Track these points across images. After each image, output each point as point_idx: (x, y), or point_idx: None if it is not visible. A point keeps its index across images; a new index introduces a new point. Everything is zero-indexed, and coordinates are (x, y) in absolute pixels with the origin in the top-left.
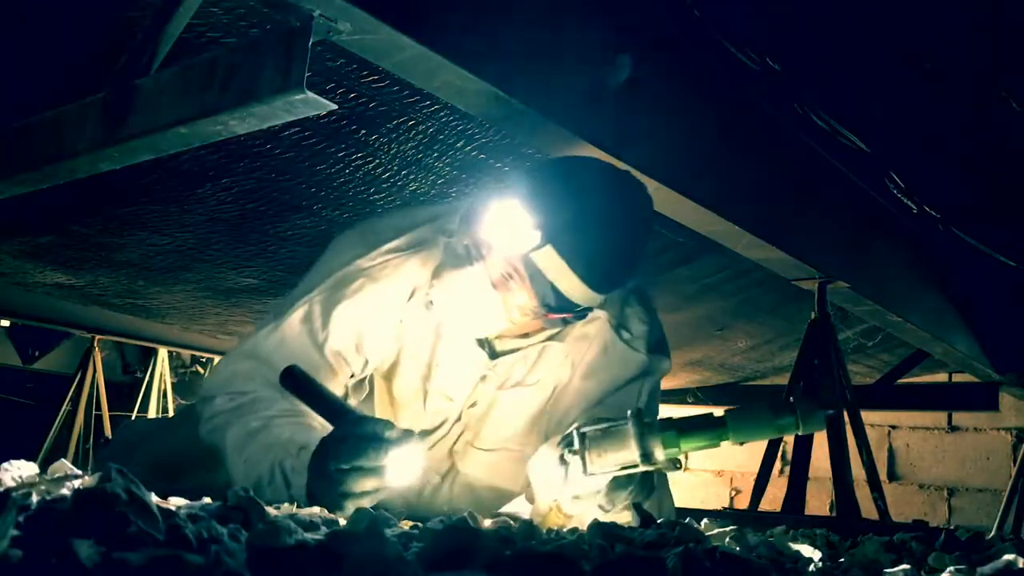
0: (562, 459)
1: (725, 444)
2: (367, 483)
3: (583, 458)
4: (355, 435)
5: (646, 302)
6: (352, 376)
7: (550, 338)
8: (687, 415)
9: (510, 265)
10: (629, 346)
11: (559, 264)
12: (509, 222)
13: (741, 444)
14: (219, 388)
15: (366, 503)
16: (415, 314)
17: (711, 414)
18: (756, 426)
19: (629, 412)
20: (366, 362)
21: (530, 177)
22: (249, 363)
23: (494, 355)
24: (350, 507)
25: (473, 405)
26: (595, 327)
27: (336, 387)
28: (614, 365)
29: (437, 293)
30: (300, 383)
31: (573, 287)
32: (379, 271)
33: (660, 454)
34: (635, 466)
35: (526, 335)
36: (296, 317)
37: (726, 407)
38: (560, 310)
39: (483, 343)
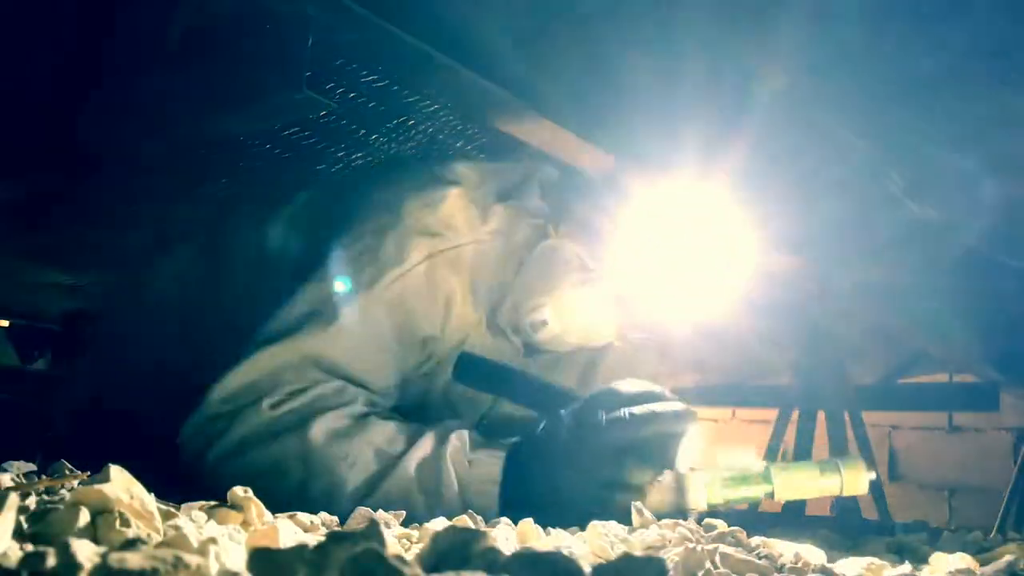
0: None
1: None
2: (646, 474)
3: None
4: (637, 400)
5: None
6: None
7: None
8: (731, 467)
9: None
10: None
11: None
12: None
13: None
14: (258, 391)
15: (633, 500)
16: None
17: (758, 469)
18: (801, 485)
19: (678, 463)
20: (428, 357)
21: None
22: (295, 356)
23: (529, 352)
24: (620, 504)
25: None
26: None
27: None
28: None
29: (557, 313)
30: (491, 368)
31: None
32: (484, 245)
33: (703, 503)
34: (683, 513)
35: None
36: (396, 290)
37: (725, 407)
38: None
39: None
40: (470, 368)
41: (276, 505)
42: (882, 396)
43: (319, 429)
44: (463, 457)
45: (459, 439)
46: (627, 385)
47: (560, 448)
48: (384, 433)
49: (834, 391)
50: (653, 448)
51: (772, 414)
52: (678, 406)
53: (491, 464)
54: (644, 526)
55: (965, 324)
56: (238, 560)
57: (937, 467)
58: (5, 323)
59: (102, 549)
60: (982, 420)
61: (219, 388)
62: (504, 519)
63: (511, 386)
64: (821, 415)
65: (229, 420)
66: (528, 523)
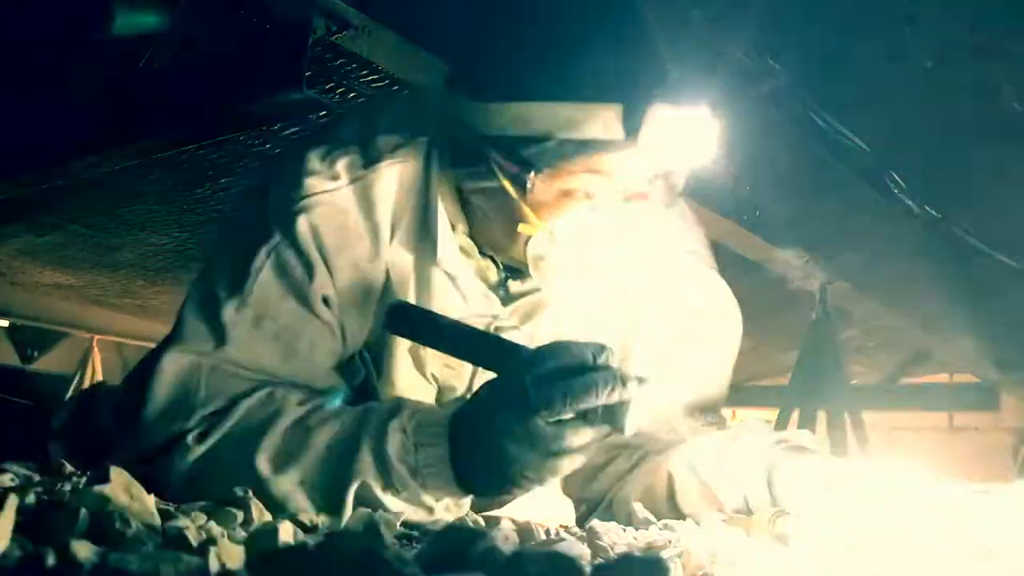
0: None
1: None
2: (586, 434)
3: None
4: (568, 366)
5: None
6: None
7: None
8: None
9: None
10: None
11: None
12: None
13: None
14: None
15: (578, 464)
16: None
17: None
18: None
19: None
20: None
21: None
22: (208, 360)
23: (507, 300)
24: (564, 467)
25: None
26: None
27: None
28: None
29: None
30: (429, 318)
31: None
32: None
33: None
34: None
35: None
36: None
37: (725, 407)
38: None
39: (497, 286)
40: (403, 317)
41: None
42: (882, 396)
43: (263, 462)
44: (403, 439)
45: (415, 425)
46: (560, 354)
47: (485, 422)
48: (328, 433)
49: (834, 391)
50: (590, 413)
51: (772, 414)
52: (618, 377)
53: (436, 449)
54: (644, 526)
55: (965, 324)
56: (238, 560)
57: (937, 467)
58: (5, 323)
59: (102, 549)
60: (982, 420)
61: (142, 418)
62: (506, 519)
63: (452, 339)
64: (821, 415)
65: (164, 463)
66: (528, 522)
